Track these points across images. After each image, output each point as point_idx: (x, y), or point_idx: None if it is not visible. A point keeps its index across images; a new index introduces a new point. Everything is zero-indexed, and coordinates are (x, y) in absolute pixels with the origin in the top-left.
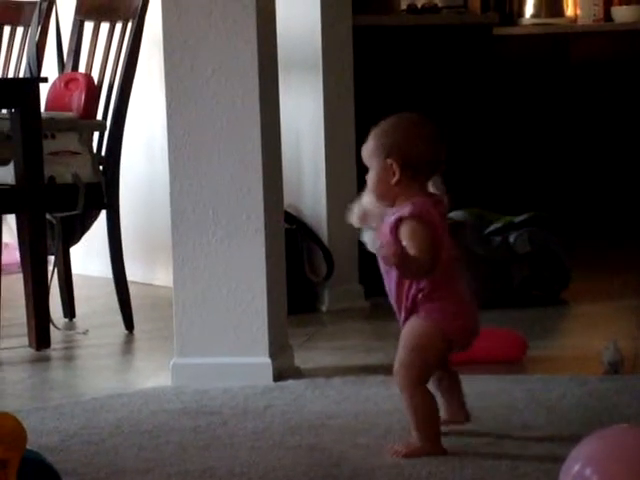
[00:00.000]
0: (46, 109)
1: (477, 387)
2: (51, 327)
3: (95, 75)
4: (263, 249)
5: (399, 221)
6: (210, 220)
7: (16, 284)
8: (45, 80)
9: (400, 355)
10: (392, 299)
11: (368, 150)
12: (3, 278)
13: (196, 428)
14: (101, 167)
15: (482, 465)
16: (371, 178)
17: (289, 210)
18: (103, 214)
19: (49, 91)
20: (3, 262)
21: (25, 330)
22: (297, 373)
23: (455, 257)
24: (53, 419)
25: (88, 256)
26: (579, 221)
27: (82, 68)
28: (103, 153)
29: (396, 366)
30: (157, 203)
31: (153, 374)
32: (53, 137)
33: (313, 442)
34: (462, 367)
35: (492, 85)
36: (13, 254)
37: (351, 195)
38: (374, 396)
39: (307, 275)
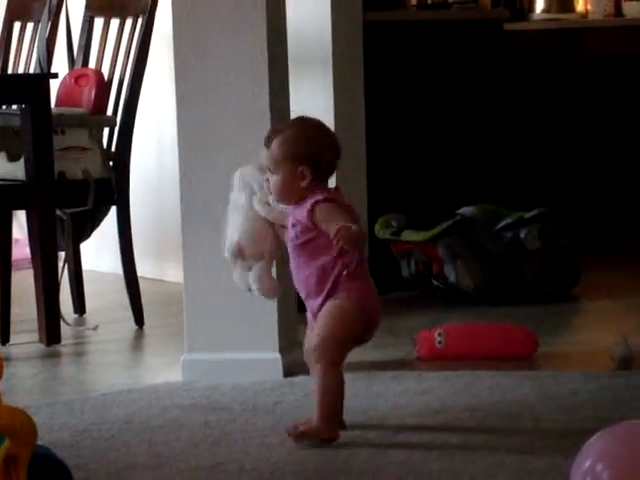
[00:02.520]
0: (56, 105)
1: (488, 383)
2: (61, 323)
3: (105, 71)
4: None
5: (314, 205)
6: (220, 216)
7: (26, 280)
8: (55, 76)
9: (320, 333)
10: (305, 286)
11: (274, 156)
12: (13, 274)
13: (206, 423)
14: (111, 163)
15: (493, 460)
16: (277, 183)
17: None
18: (113, 210)
19: (59, 87)
20: (14, 258)
21: (35, 326)
22: (307, 369)
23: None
24: (63, 414)
25: (98, 252)
26: (590, 217)
27: (92, 64)
28: (113, 149)
29: (314, 343)
30: (167, 199)
31: (163, 370)
32: (63, 133)
33: None
34: (473, 363)
35: (503, 81)
36: (23, 250)
37: (361, 191)
38: (384, 392)
39: None
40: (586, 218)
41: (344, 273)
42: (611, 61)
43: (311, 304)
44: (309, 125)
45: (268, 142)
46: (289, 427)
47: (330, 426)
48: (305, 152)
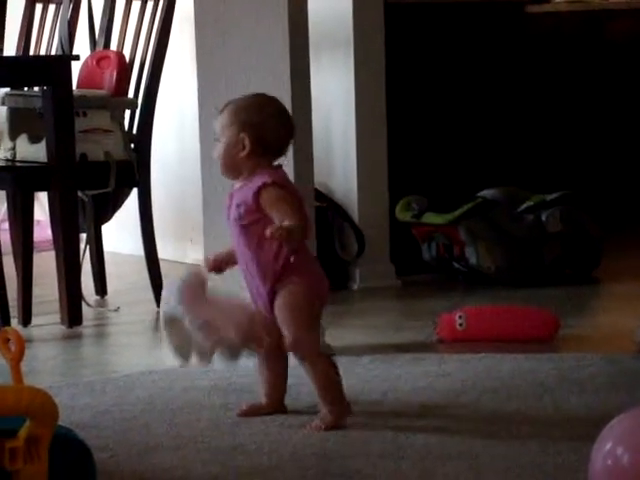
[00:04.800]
0: (78, 87)
1: (509, 366)
2: (83, 304)
3: (127, 53)
4: None
5: (261, 188)
6: None
7: (48, 261)
8: (77, 58)
9: (290, 329)
10: (248, 267)
11: (222, 122)
12: (35, 255)
13: (226, 405)
14: (132, 145)
15: (513, 443)
16: (219, 148)
17: (319, 188)
18: (134, 192)
19: (81, 69)
20: (35, 239)
21: (57, 307)
22: (328, 351)
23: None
24: (85, 396)
25: (119, 233)
26: (611, 199)
27: (114, 46)
28: (134, 131)
29: (291, 341)
30: (188, 181)
31: None
32: (85, 115)
33: None
34: (494, 345)
35: (524, 63)
36: (45, 231)
37: (382, 173)
38: (405, 374)
39: (338, 253)
40: (608, 200)
41: (291, 260)
42: (634, 44)
43: (256, 285)
44: (263, 98)
45: (220, 111)
46: (309, 427)
47: (344, 408)
48: (249, 120)
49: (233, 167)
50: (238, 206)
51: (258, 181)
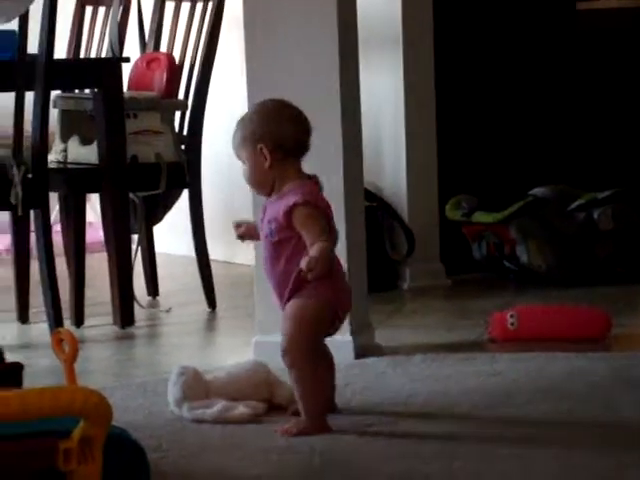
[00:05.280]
0: (128, 89)
1: (561, 365)
2: (135, 305)
3: (176, 54)
4: (343, 227)
5: (293, 208)
6: None
7: (100, 263)
8: (127, 60)
9: (288, 332)
10: (277, 282)
11: (236, 143)
12: (87, 257)
13: (280, 407)
14: (183, 146)
15: (565, 444)
16: (245, 170)
17: (369, 188)
18: (185, 193)
19: (131, 71)
20: (87, 241)
21: (109, 308)
22: (378, 351)
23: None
24: (137, 396)
25: (171, 235)
26: None
27: (163, 48)
28: (185, 132)
29: (285, 344)
30: (238, 182)
31: (235, 351)
32: (135, 117)
33: (393, 420)
34: (546, 345)
35: (575, 60)
36: (97, 233)
37: (431, 172)
38: (456, 374)
39: (388, 253)
40: None
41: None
42: None
43: (279, 292)
44: (267, 105)
45: (233, 136)
46: (280, 429)
47: (317, 423)
48: (262, 130)
49: (263, 182)
50: (269, 222)
51: (290, 199)
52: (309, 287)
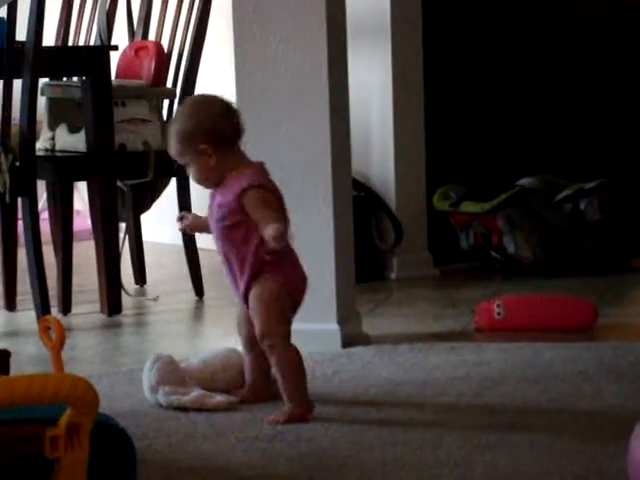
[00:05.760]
0: (116, 77)
1: (547, 355)
2: (122, 293)
3: (165, 43)
4: (331, 217)
5: (244, 191)
6: (280, 186)
7: (87, 251)
8: (115, 48)
9: (262, 316)
10: (227, 265)
11: (176, 151)
12: (75, 245)
13: (268, 394)
14: None
15: (551, 432)
16: (194, 172)
17: (357, 177)
18: (173, 181)
19: (119, 59)
20: (75, 229)
21: (97, 296)
22: (365, 340)
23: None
24: (124, 384)
25: (159, 223)
26: None
27: (152, 36)
28: None
29: (261, 331)
30: None
31: (222, 340)
32: (123, 105)
33: (381, 409)
34: (532, 334)
35: (563, 51)
36: (84, 221)
37: (419, 162)
38: (443, 363)
39: (375, 243)
40: None
41: (266, 258)
42: None
43: (235, 279)
44: (193, 104)
45: (169, 144)
46: (267, 420)
47: (303, 406)
48: (198, 130)
49: (212, 178)
50: (220, 206)
51: (241, 183)
52: (267, 272)
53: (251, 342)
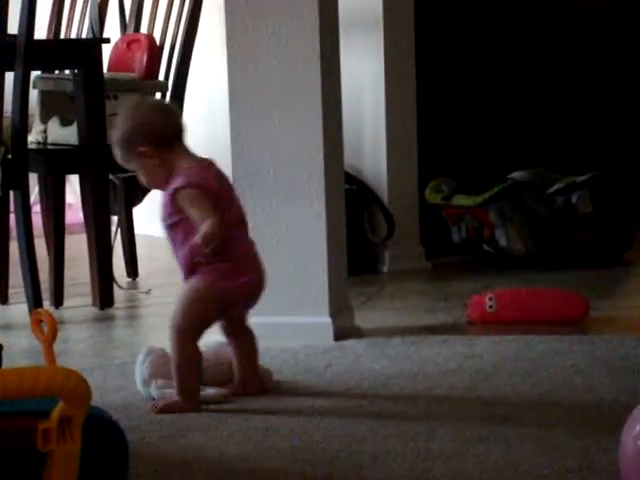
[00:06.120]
0: (108, 70)
1: (538, 347)
2: (114, 286)
3: (157, 36)
4: (324, 210)
5: (174, 193)
6: (271, 181)
7: (79, 244)
8: (107, 41)
9: (175, 310)
10: (178, 262)
11: (121, 157)
12: (67, 238)
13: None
14: None
15: (543, 425)
16: (141, 176)
17: (349, 171)
18: None
19: (111, 52)
20: (67, 222)
21: (89, 289)
22: (357, 333)
23: (240, 217)
24: (117, 377)
25: (150, 216)
26: None
27: (144, 29)
28: None
29: (170, 322)
30: (218, 164)
31: (215, 333)
32: (115, 98)
33: (373, 402)
34: (524, 327)
35: (554, 45)
36: (76, 214)
37: (411, 155)
38: (435, 356)
39: (367, 236)
40: (638, 182)
41: (199, 260)
42: None
43: (181, 273)
44: (126, 108)
45: (115, 152)
46: (150, 405)
47: (188, 400)
48: (137, 134)
49: (159, 179)
50: (163, 206)
51: (174, 183)
52: (201, 271)
53: (228, 333)
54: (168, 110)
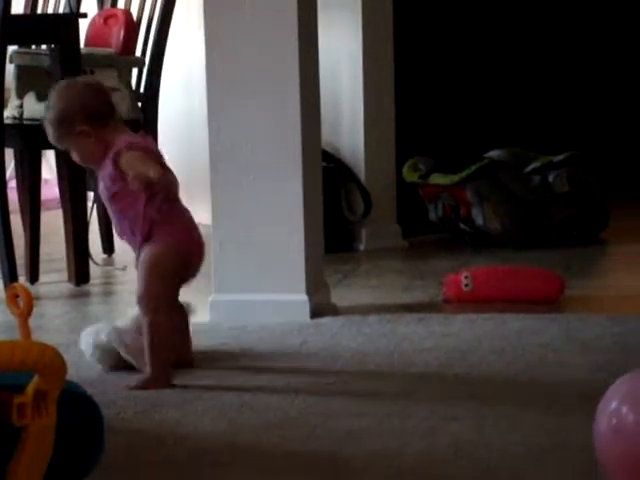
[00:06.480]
0: (85, 45)
1: (514, 326)
2: (90, 263)
3: (134, 11)
4: (301, 187)
5: (117, 155)
6: (248, 158)
7: (55, 220)
8: (84, 16)
9: (143, 279)
10: (125, 234)
11: (55, 138)
12: (43, 214)
13: (233, 364)
14: (140, 103)
15: (517, 403)
16: (77, 155)
17: (327, 148)
18: None
19: (88, 27)
20: (42, 198)
21: (64, 265)
22: (334, 311)
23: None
24: None
25: None
26: (618, 161)
27: (121, 4)
28: (142, 90)
29: (140, 292)
30: (196, 140)
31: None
32: (92, 73)
33: (349, 379)
34: (500, 306)
35: (531, 21)
36: (52, 190)
37: (389, 134)
38: (411, 334)
39: (344, 214)
40: (615, 162)
41: (157, 216)
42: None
43: (132, 246)
44: (58, 89)
45: (49, 133)
46: (124, 386)
47: (161, 377)
48: (73, 113)
49: (96, 156)
50: (103, 179)
51: (114, 149)
52: (158, 233)
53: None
54: (100, 88)
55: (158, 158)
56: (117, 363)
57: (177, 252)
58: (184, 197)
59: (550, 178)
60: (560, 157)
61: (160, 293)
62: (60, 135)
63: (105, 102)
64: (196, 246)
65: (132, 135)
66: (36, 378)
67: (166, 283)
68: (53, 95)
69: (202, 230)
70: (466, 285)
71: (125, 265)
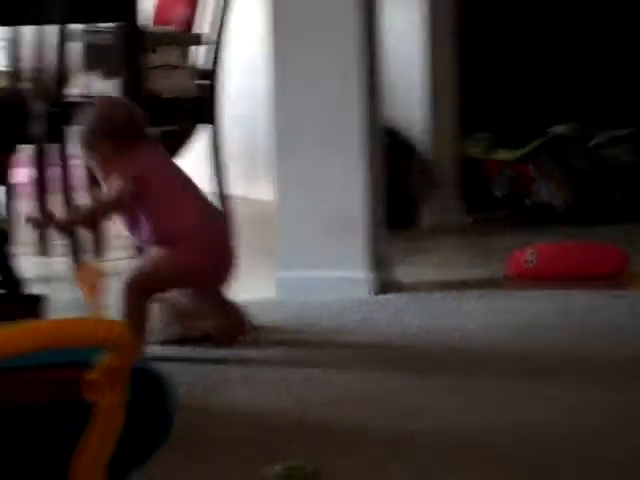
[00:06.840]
0: (154, 23)
1: (578, 302)
2: None
3: None
4: (363, 163)
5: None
6: (311, 134)
7: None
8: None
9: (135, 269)
10: (145, 243)
11: (85, 155)
12: None
13: (298, 341)
14: (203, 81)
15: (581, 381)
16: (98, 171)
17: (390, 124)
18: (203, 128)
19: (154, 4)
20: None
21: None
22: (398, 287)
23: (185, 180)
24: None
25: (191, 169)
26: None
27: None
28: (205, 67)
29: (127, 279)
30: (259, 117)
31: (257, 287)
32: (154, 51)
33: (411, 354)
34: (563, 282)
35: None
36: None
37: (454, 109)
38: (473, 311)
39: (408, 190)
40: None
41: (155, 237)
42: None
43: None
44: (86, 117)
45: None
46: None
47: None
48: (95, 131)
49: (107, 173)
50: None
51: (122, 172)
52: (169, 246)
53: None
54: (129, 107)
55: (141, 185)
56: (170, 336)
57: (175, 263)
58: (247, 176)
59: (613, 153)
60: (623, 132)
61: (137, 280)
62: (87, 153)
63: (129, 122)
64: (210, 268)
65: (148, 157)
66: (106, 354)
67: (146, 284)
68: (88, 111)
69: (266, 207)
70: (530, 261)
71: None
